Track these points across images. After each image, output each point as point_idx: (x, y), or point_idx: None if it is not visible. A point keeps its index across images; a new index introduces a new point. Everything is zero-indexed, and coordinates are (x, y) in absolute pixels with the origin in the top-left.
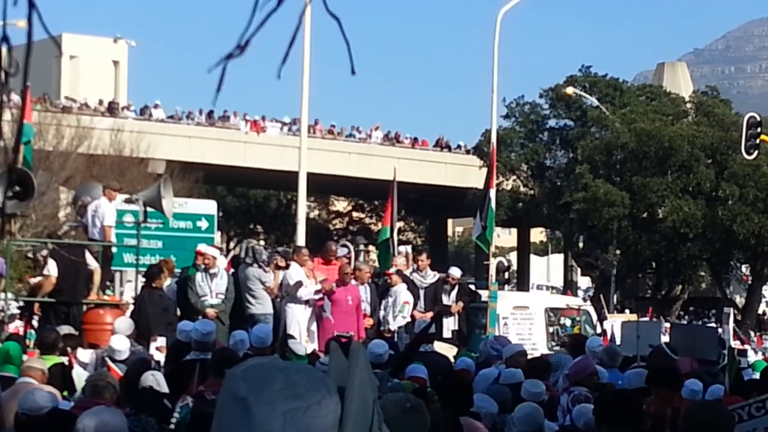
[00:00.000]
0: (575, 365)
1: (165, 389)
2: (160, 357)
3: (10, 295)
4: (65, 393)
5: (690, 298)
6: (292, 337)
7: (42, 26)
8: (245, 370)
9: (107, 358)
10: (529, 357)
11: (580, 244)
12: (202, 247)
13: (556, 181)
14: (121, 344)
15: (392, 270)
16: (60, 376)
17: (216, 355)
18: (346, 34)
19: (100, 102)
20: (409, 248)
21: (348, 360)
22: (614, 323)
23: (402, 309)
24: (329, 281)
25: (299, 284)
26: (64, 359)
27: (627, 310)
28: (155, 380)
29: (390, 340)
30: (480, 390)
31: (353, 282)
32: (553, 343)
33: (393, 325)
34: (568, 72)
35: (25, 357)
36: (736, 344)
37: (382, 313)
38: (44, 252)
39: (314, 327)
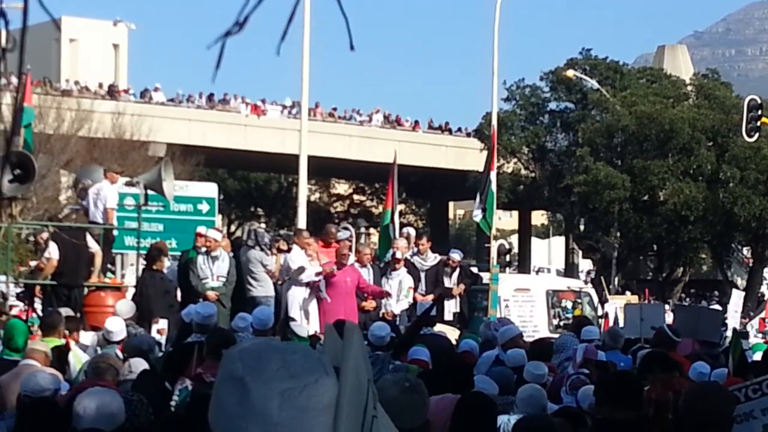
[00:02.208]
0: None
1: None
2: (161, 339)
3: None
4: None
5: (691, 280)
6: (293, 319)
7: (41, 6)
8: (242, 351)
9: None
10: (531, 339)
11: (581, 227)
12: (201, 229)
13: (557, 163)
14: (116, 325)
15: (398, 255)
16: (57, 359)
17: (212, 338)
18: (346, 14)
19: (100, 85)
20: (412, 230)
21: (342, 340)
22: (616, 305)
23: (408, 294)
24: (330, 264)
25: (301, 269)
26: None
27: (628, 293)
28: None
29: (391, 323)
30: (482, 372)
31: (357, 264)
32: (556, 323)
33: (397, 309)
34: (568, 55)
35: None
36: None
37: None
38: (45, 235)
39: (313, 309)
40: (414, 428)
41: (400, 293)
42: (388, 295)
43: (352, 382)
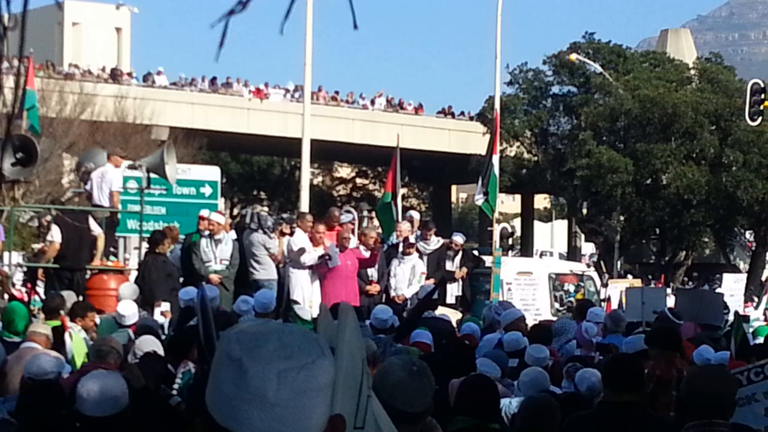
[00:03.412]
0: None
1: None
2: (164, 322)
3: (16, 259)
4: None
5: (694, 264)
6: (296, 302)
7: None
8: (239, 332)
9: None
10: (533, 323)
11: (584, 211)
12: (204, 213)
13: (559, 147)
14: (128, 309)
15: (411, 239)
16: (56, 340)
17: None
18: None
19: (103, 69)
20: (416, 214)
21: (336, 321)
22: (620, 289)
23: (420, 279)
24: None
25: (302, 251)
26: (72, 325)
27: (630, 276)
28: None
29: (400, 306)
30: (483, 355)
31: (361, 248)
32: (557, 307)
33: (408, 293)
34: (571, 38)
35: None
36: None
37: (392, 280)
38: (48, 218)
39: (317, 292)
40: (421, 412)
41: (413, 278)
42: (373, 264)
43: (347, 364)
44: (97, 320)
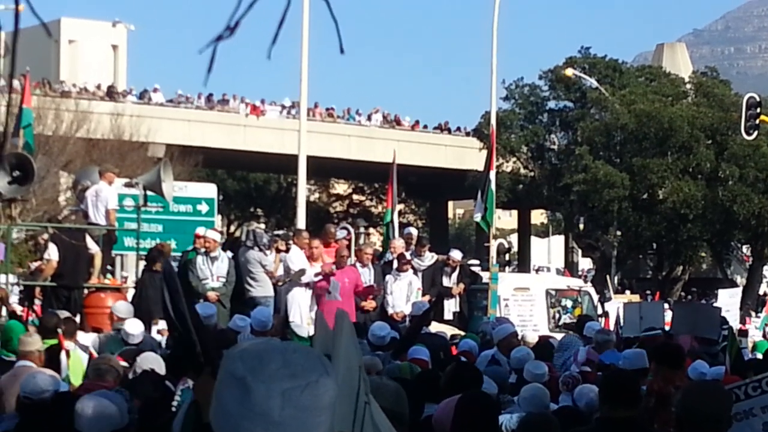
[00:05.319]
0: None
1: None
2: (161, 340)
3: (11, 279)
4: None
5: (691, 278)
6: (292, 320)
7: (33, 13)
8: (243, 351)
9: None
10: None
11: (581, 226)
12: (200, 230)
13: (556, 162)
14: (135, 328)
15: (407, 256)
16: (50, 359)
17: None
18: (345, 15)
19: (99, 86)
20: (414, 230)
21: (332, 329)
22: (618, 304)
23: (417, 295)
24: (329, 265)
25: (302, 272)
26: (69, 344)
27: (628, 291)
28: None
29: (398, 323)
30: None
31: (358, 264)
32: (554, 324)
33: (407, 310)
34: (567, 53)
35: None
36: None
37: (389, 297)
38: (45, 236)
39: (314, 310)
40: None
41: (411, 294)
42: (377, 292)
43: (343, 371)
44: (84, 338)
